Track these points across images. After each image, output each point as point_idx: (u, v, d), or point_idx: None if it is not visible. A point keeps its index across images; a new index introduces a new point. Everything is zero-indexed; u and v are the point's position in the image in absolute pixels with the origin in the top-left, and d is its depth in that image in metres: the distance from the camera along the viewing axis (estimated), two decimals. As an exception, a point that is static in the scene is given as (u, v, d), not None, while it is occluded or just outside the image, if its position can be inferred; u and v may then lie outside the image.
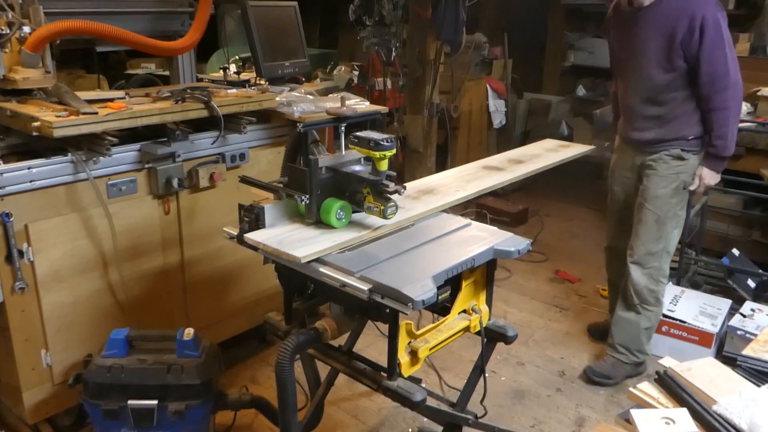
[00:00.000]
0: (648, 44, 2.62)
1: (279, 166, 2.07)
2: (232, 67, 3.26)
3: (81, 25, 2.33)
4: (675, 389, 1.15)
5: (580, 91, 6.62)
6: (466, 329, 1.91)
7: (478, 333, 1.95)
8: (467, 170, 2.52)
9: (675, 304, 3.19)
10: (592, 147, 2.94)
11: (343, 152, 1.96)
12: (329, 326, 1.87)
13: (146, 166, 2.41)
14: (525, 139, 6.39)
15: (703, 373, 1.19)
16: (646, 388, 1.18)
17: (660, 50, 2.58)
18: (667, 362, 1.24)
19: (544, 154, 2.77)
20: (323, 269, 1.71)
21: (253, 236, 1.82)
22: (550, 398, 2.86)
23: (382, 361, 1.80)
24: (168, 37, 2.87)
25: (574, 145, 2.97)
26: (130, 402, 2.06)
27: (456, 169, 2.57)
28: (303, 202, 1.86)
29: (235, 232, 1.93)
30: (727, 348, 3.06)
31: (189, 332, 2.13)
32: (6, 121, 2.22)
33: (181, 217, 2.58)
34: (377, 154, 1.77)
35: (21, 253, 2.14)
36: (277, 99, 2.74)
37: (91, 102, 2.26)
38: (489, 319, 2.01)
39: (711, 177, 2.72)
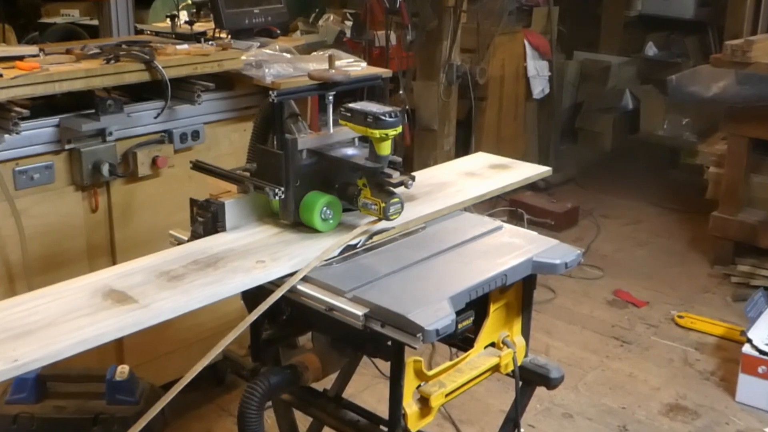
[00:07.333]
0: None
1: (245, 149, 2.08)
2: (183, 15, 3.26)
3: (-20, -43, 2.34)
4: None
5: (650, 49, 6.62)
6: (495, 369, 1.91)
7: (510, 374, 1.95)
8: None
9: (776, 337, 3.19)
10: (546, 169, 2.37)
11: (331, 130, 1.96)
12: (311, 364, 1.88)
13: (67, 147, 2.41)
14: (575, 113, 6.39)
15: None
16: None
17: None
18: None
19: (458, 182, 2.25)
20: (304, 288, 1.72)
21: None
22: (607, 462, 2.87)
23: (382, 410, 1.80)
24: (97, -27, 2.89)
25: (518, 165, 2.39)
26: (43, 464, 2.07)
27: None
28: (277, 197, 1.86)
29: (185, 236, 1.93)
30: None
31: (123, 370, 2.13)
32: None
33: (113, 216, 2.58)
34: (377, 133, 1.77)
35: None
36: (243, 58, 2.74)
37: (-7, 61, 2.26)
38: (526, 356, 2.01)
39: None
